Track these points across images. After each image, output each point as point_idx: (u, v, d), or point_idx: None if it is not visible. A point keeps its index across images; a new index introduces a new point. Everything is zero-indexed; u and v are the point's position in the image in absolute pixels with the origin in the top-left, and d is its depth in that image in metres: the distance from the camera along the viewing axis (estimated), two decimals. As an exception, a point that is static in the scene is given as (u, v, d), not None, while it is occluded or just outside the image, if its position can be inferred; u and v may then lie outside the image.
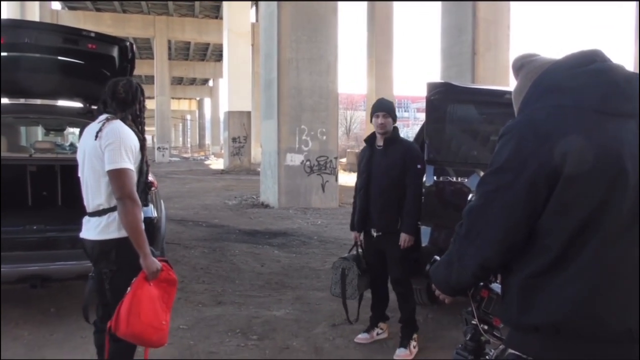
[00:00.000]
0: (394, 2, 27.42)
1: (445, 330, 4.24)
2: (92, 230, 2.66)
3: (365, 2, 27.29)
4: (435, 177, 3.90)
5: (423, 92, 4.10)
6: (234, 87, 23.49)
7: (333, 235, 8.58)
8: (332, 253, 7.16)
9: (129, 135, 2.63)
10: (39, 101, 6.48)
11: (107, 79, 2.87)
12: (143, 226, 2.62)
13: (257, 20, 28.82)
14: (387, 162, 3.81)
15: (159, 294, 2.65)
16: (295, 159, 11.71)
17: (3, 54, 4.40)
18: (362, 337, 4.00)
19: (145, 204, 3.02)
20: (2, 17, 4.43)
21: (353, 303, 4.08)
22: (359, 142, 40.18)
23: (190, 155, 49.48)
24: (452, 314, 4.45)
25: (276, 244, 7.76)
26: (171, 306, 2.77)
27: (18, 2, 21.26)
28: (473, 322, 1.70)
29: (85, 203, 2.72)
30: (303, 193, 11.76)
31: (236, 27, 23.49)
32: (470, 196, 1.61)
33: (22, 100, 6.44)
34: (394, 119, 3.89)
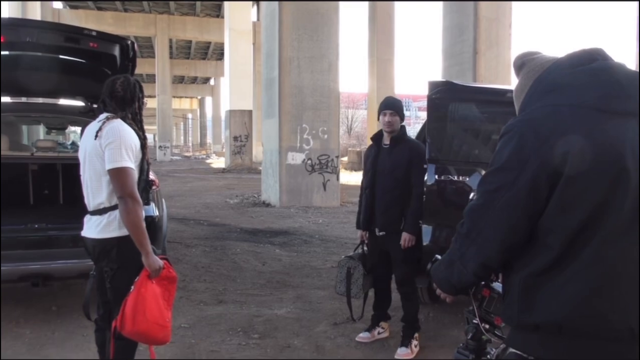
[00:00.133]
0: (395, 2, 27.41)
1: (447, 329, 4.24)
2: (93, 228, 2.66)
3: (367, 1, 27.28)
4: (436, 176, 3.89)
5: (424, 91, 4.09)
6: (235, 85, 23.50)
7: (334, 234, 8.59)
8: (333, 252, 7.16)
9: (129, 134, 2.63)
10: (40, 100, 6.48)
11: (108, 78, 2.86)
12: (144, 224, 2.63)
13: (258, 19, 28.85)
14: (393, 161, 3.79)
15: (161, 292, 2.66)
16: (296, 158, 11.71)
17: (5, 52, 4.41)
18: (363, 336, 4.00)
19: (147, 203, 3.02)
20: (4, 16, 4.44)
21: (356, 301, 4.08)
22: (360, 140, 40.19)
23: (192, 154, 49.55)
24: (453, 313, 4.45)
25: (277, 242, 7.76)
26: (172, 303, 2.78)
27: (20, 2, 21.27)
28: (474, 321, 1.70)
29: (86, 202, 2.73)
30: (304, 192, 11.76)
31: (237, 25, 23.49)
32: (471, 195, 1.61)
33: (23, 99, 6.44)
34: (402, 117, 3.85)
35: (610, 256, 1.31)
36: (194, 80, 56.40)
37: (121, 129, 2.60)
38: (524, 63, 1.58)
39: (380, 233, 3.85)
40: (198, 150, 56.88)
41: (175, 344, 3.76)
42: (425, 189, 3.82)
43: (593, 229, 1.30)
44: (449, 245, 1.56)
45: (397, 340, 3.88)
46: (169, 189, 14.66)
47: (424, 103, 4.21)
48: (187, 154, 52.05)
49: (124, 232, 2.58)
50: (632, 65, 1.45)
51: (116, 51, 4.30)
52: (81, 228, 2.75)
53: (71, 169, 4.44)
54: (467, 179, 3.89)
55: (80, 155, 2.75)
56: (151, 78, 43.54)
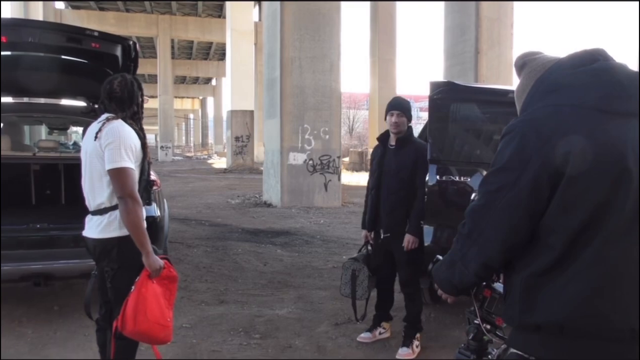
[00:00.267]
0: (397, 2, 27.41)
1: (448, 330, 4.24)
2: (93, 228, 2.67)
3: (369, 1, 27.28)
4: (438, 177, 3.89)
5: (426, 91, 4.09)
6: (237, 86, 23.53)
7: (336, 234, 8.59)
8: (334, 252, 7.16)
9: (129, 134, 2.63)
10: (42, 100, 6.49)
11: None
12: (145, 224, 2.63)
13: (260, 19, 28.89)
14: (398, 163, 3.77)
15: (162, 291, 2.66)
16: (298, 158, 11.72)
17: (7, 53, 4.42)
18: (364, 337, 4.00)
19: (148, 202, 3.02)
20: (6, 17, 4.45)
21: (359, 302, 4.07)
22: (362, 141, 40.19)
23: (193, 154, 49.62)
24: (454, 313, 4.45)
25: (279, 243, 7.76)
26: (173, 303, 2.78)
27: (22, 2, 21.32)
28: (475, 321, 1.70)
29: (86, 202, 2.73)
30: (306, 192, 11.76)
31: (239, 26, 23.53)
32: (473, 195, 1.60)
33: (25, 99, 6.45)
34: (409, 118, 3.82)
35: (611, 256, 1.31)
36: (195, 80, 56.46)
37: (121, 129, 2.61)
38: (525, 63, 1.58)
39: (385, 235, 3.83)
40: (200, 151, 56.96)
41: (176, 344, 3.77)
42: (426, 189, 3.81)
43: (594, 229, 1.30)
44: (451, 246, 1.56)
45: (399, 340, 3.88)
46: (171, 189, 14.67)
47: (425, 103, 4.21)
48: (188, 154, 52.13)
49: (124, 232, 2.59)
50: (633, 66, 1.44)
51: (118, 51, 4.30)
52: (82, 228, 2.75)
53: (73, 169, 4.44)
54: (469, 179, 3.89)
55: (82, 155, 2.76)
56: (153, 78, 43.63)
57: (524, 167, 1.33)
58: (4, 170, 4.99)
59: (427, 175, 3.83)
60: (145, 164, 2.75)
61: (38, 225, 4.43)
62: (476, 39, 12.71)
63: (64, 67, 4.76)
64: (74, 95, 5.85)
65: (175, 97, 49.59)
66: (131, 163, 2.59)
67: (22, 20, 6.49)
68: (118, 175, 2.54)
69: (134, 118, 2.75)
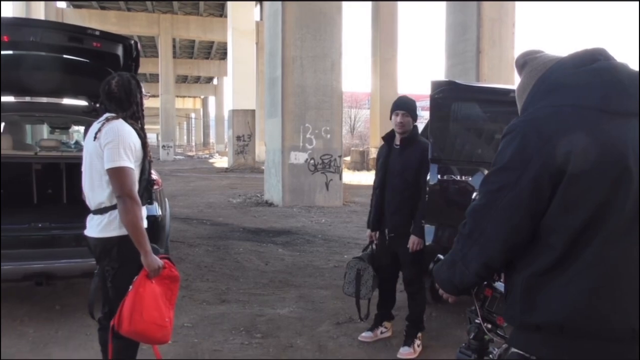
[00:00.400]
0: (399, 1, 27.39)
1: (450, 329, 4.23)
2: (94, 227, 2.67)
3: (370, 1, 27.27)
4: (439, 176, 3.89)
5: (427, 91, 4.08)
6: (238, 85, 23.53)
7: (337, 233, 8.59)
8: (336, 251, 7.16)
9: (129, 134, 2.63)
10: (44, 99, 6.50)
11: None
12: (144, 224, 2.63)
13: (261, 18, 28.88)
14: (403, 163, 3.75)
15: (162, 291, 2.66)
16: (299, 157, 11.71)
17: (9, 52, 4.42)
18: (365, 336, 4.00)
19: (150, 202, 3.02)
20: (8, 16, 4.45)
21: (362, 301, 4.07)
22: (363, 140, 40.17)
23: (195, 154, 49.66)
24: (456, 312, 4.45)
25: (280, 242, 7.77)
26: (174, 303, 2.78)
27: (24, 1, 21.34)
28: (476, 320, 1.70)
29: (87, 202, 2.74)
30: (307, 191, 11.76)
31: (241, 25, 23.53)
32: (474, 195, 1.60)
33: (27, 99, 6.46)
34: (414, 118, 3.78)
35: (611, 256, 1.31)
36: (197, 79, 56.50)
37: (120, 128, 2.61)
38: (526, 62, 1.57)
39: (390, 235, 3.82)
40: (201, 150, 56.99)
41: (177, 343, 3.77)
42: (428, 188, 3.81)
43: (595, 229, 1.30)
44: (452, 245, 1.56)
45: (400, 339, 3.88)
46: (172, 189, 14.68)
47: (426, 102, 4.19)
48: (190, 153, 52.18)
49: (124, 231, 2.59)
50: (634, 66, 1.44)
51: (119, 51, 4.31)
52: (84, 227, 2.76)
53: (74, 168, 4.44)
54: (470, 178, 3.89)
55: (84, 155, 2.76)
56: (154, 77, 43.62)
57: (525, 166, 1.33)
58: (6, 170, 5.00)
59: (429, 174, 3.83)
60: (145, 163, 2.75)
61: (40, 225, 4.44)
62: (478, 39, 12.70)
63: (66, 67, 4.76)
64: (75, 95, 5.86)
65: (177, 96, 49.57)
66: (130, 162, 2.59)
67: (24, 20, 6.51)
68: (117, 175, 2.55)
69: (134, 117, 2.75)
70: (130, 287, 2.57)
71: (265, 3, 14.42)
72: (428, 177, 3.81)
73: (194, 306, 4.69)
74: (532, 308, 1.37)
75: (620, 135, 1.31)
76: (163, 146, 34.79)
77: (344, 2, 12.38)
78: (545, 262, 1.35)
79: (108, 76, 2.81)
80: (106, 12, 31.48)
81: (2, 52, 4.22)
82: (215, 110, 56.18)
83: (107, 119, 2.65)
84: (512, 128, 1.40)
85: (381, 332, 4.02)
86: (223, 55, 40.91)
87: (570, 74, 1.40)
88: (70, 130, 11.43)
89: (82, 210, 2.83)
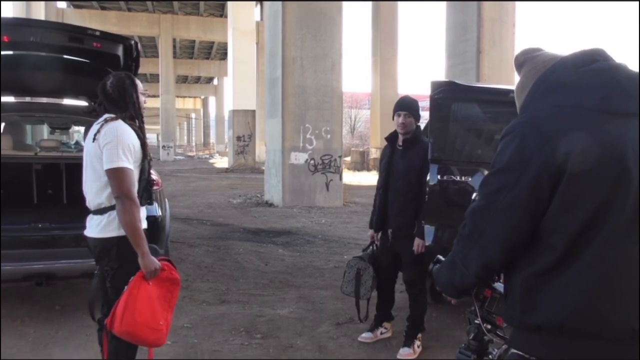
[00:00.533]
0: (399, 1, 27.39)
1: (449, 330, 4.23)
2: (94, 228, 2.67)
3: (370, 1, 27.26)
4: (439, 176, 3.89)
5: (427, 91, 4.08)
6: (238, 85, 23.51)
7: (337, 234, 8.59)
8: (336, 252, 7.16)
9: (128, 134, 2.62)
10: (44, 99, 6.51)
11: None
12: (142, 225, 2.63)
13: (261, 18, 28.88)
14: (405, 164, 3.73)
15: (161, 294, 2.65)
16: (299, 158, 11.71)
17: (9, 52, 4.43)
18: (365, 336, 4.00)
19: (150, 202, 3.02)
20: (8, 16, 4.46)
21: (361, 301, 4.07)
22: (363, 140, 40.16)
23: (195, 154, 49.66)
24: (455, 313, 4.44)
25: (280, 242, 7.77)
26: (174, 306, 2.76)
27: (24, 1, 21.34)
28: (476, 321, 1.70)
29: (87, 202, 2.74)
30: (307, 192, 11.76)
31: (241, 25, 23.52)
32: (474, 195, 1.60)
33: (27, 99, 6.47)
34: (417, 118, 3.76)
35: (611, 256, 1.31)
36: (197, 80, 56.49)
37: (119, 129, 2.61)
38: (525, 60, 1.57)
39: (393, 236, 3.81)
40: (201, 150, 56.99)
41: (177, 344, 3.78)
42: (427, 189, 3.81)
43: (595, 229, 1.30)
44: (452, 246, 1.56)
45: (400, 340, 3.88)
46: (172, 189, 14.68)
47: (426, 103, 4.18)
48: (190, 153, 52.17)
49: (123, 231, 2.59)
50: (633, 66, 1.44)
51: (120, 51, 4.31)
52: (84, 228, 2.76)
53: (75, 168, 4.45)
54: (470, 179, 3.89)
55: (84, 156, 2.76)
56: (155, 78, 43.61)
57: (524, 167, 1.33)
58: (6, 170, 5.00)
59: (428, 174, 3.82)
60: (145, 164, 2.75)
61: (40, 225, 4.44)
62: (478, 39, 12.70)
63: (66, 67, 4.76)
64: (75, 95, 5.86)
65: (177, 96, 49.57)
66: (129, 163, 2.59)
67: (24, 20, 6.52)
68: (115, 175, 2.55)
69: (133, 117, 2.74)
70: (125, 287, 2.56)
71: (265, 3, 14.42)
72: (428, 178, 3.81)
73: (194, 306, 4.69)
74: (532, 308, 1.37)
75: (620, 136, 1.31)
76: (163, 146, 34.79)
77: (344, 2, 12.38)
78: (545, 263, 1.35)
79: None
80: (106, 12, 31.49)
81: (2, 52, 4.22)
82: (215, 110, 56.18)
83: (106, 120, 2.65)
84: (511, 129, 1.40)
85: (381, 333, 4.02)
86: (223, 55, 40.91)
87: (572, 74, 1.40)
88: (71, 130, 11.45)
89: (82, 211, 2.83)
